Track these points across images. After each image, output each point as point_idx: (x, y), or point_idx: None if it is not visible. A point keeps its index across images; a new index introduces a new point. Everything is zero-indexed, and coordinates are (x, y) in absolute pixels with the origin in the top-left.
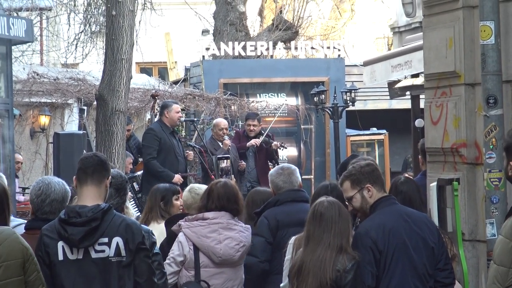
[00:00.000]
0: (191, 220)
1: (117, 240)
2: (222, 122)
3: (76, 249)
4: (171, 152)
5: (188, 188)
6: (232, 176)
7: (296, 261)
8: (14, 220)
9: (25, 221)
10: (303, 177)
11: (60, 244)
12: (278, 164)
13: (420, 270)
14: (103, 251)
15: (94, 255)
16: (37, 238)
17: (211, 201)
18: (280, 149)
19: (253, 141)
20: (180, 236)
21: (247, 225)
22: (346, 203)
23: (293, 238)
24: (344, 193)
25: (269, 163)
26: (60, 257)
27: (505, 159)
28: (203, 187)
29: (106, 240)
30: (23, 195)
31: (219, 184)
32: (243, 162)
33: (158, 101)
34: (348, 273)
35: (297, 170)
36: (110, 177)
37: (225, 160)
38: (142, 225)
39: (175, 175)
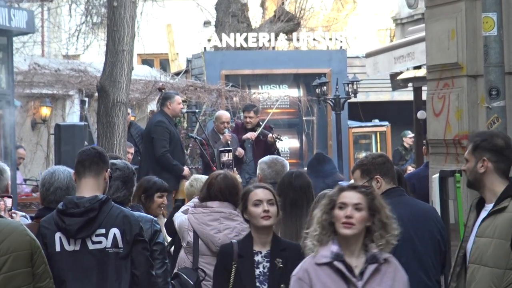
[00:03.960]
0: (197, 207)
1: (114, 231)
2: (224, 115)
3: (73, 240)
4: (178, 144)
5: (191, 178)
6: (234, 169)
7: None
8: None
9: (23, 214)
10: (304, 168)
11: (58, 235)
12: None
13: (425, 262)
14: (100, 242)
15: (91, 246)
16: None
17: (213, 194)
18: (276, 141)
19: (248, 135)
20: (184, 219)
21: None
22: None
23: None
24: (354, 181)
25: None
26: (57, 248)
27: (473, 159)
28: (204, 177)
29: (103, 231)
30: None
31: (219, 178)
32: (240, 149)
33: None
34: None
35: (288, 165)
36: (109, 169)
37: (227, 154)
38: (146, 215)
39: (185, 167)
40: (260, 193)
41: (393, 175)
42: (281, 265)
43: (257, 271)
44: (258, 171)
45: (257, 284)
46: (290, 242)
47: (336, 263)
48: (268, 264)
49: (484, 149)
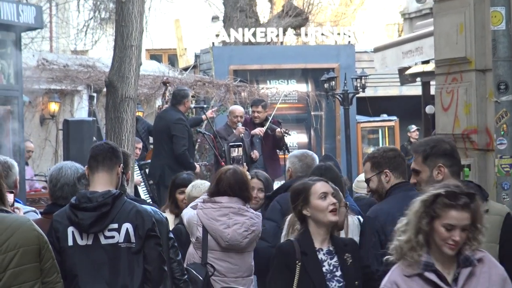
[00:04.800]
0: (206, 202)
1: (126, 226)
2: (238, 109)
3: (86, 234)
4: (191, 140)
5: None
6: (244, 164)
7: None
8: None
9: (33, 209)
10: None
11: (70, 229)
12: (288, 151)
13: None
14: (112, 237)
15: (103, 241)
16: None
17: (222, 189)
18: (284, 135)
19: (257, 130)
20: (193, 214)
21: (258, 213)
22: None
23: (289, 216)
24: (364, 173)
25: (278, 151)
26: (70, 243)
27: (426, 168)
28: (207, 183)
29: (116, 226)
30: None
31: (228, 173)
32: (256, 152)
33: (169, 88)
34: None
35: (317, 159)
36: (121, 165)
37: (237, 149)
38: (152, 207)
39: (197, 165)
40: (324, 186)
41: (403, 170)
42: (351, 261)
43: (323, 269)
44: (288, 165)
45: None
46: (345, 238)
47: (427, 273)
48: (332, 261)
49: (437, 155)
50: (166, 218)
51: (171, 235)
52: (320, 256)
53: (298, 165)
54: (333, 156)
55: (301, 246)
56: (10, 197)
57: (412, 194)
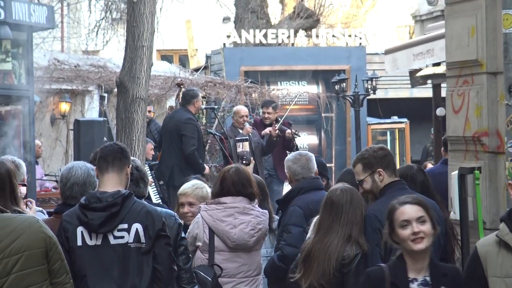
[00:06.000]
0: (210, 203)
1: (136, 226)
2: (242, 109)
3: (95, 234)
4: (201, 141)
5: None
6: (252, 158)
7: (305, 247)
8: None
9: (40, 209)
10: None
11: (80, 229)
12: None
13: None
14: (122, 237)
15: (113, 241)
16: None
17: (226, 188)
18: (294, 137)
19: (267, 130)
20: (197, 218)
21: (264, 210)
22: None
23: (315, 218)
24: (356, 175)
25: (287, 152)
26: (79, 243)
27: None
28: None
29: (125, 226)
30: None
31: (231, 171)
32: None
33: (183, 89)
34: (352, 262)
35: (313, 157)
36: (130, 165)
37: (241, 144)
38: (167, 210)
39: (206, 166)
40: (408, 211)
41: (394, 168)
42: None
43: None
44: (285, 170)
45: None
46: (447, 265)
47: None
48: None
49: None
50: (180, 224)
51: (184, 242)
52: (413, 287)
53: (293, 167)
54: (320, 156)
55: (392, 275)
56: (23, 189)
57: (407, 193)
